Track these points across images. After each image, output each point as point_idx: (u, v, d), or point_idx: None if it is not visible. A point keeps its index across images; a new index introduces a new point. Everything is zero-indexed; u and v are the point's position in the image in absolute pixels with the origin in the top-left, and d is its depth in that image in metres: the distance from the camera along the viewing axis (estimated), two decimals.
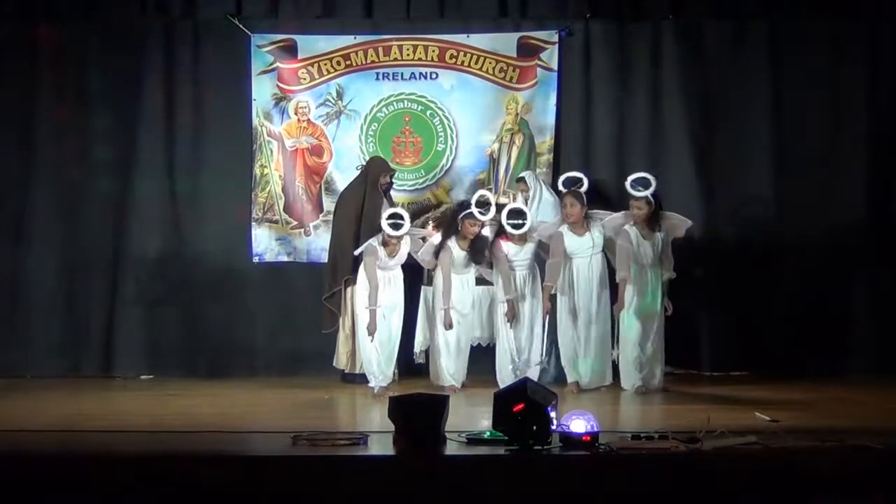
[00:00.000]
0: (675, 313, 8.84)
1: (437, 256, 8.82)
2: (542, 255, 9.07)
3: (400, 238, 8.69)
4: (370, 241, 8.73)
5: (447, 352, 8.83)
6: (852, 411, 7.68)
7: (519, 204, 9.22)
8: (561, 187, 9.19)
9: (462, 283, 8.92)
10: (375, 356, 8.72)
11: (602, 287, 8.93)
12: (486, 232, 8.96)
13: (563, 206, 8.98)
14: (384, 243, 8.70)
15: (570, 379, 8.92)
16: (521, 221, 8.81)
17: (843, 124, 10.02)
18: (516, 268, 8.92)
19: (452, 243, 8.83)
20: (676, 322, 8.92)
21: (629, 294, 8.76)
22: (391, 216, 8.65)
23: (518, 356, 8.89)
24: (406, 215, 8.77)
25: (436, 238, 8.95)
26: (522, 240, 8.92)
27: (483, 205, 8.88)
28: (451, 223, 8.96)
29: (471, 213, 8.80)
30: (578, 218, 8.89)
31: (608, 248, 8.96)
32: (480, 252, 8.86)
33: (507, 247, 8.90)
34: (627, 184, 8.80)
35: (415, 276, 9.18)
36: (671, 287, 8.86)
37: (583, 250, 8.91)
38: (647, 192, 8.71)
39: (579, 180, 9.17)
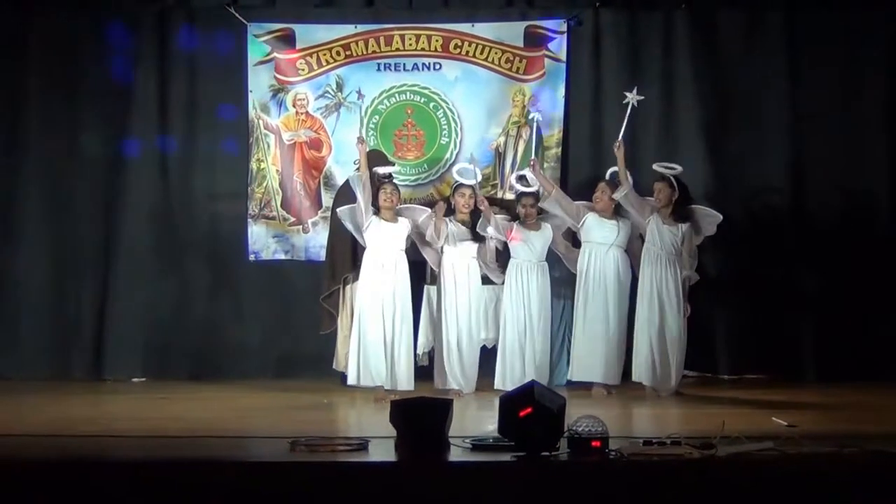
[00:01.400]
0: (689, 314, 8.85)
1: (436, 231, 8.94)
2: (557, 251, 9.12)
3: (393, 187, 8.78)
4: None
5: (452, 354, 8.84)
6: (872, 416, 7.67)
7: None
8: (607, 177, 9.19)
9: (464, 271, 8.92)
10: (374, 355, 8.64)
11: (619, 283, 8.92)
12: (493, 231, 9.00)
13: (595, 191, 9.03)
14: (378, 211, 8.71)
15: (572, 375, 8.93)
16: (528, 178, 9.04)
17: (861, 115, 10.03)
18: (522, 253, 8.94)
19: (451, 221, 8.93)
20: (691, 323, 8.93)
21: (645, 282, 8.75)
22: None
23: (523, 357, 8.89)
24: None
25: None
26: (532, 217, 8.99)
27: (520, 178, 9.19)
28: (446, 204, 9.11)
29: (459, 183, 8.98)
30: (606, 207, 8.97)
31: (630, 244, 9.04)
32: (480, 221, 8.93)
33: (517, 231, 8.94)
34: (654, 166, 8.93)
35: (417, 274, 9.15)
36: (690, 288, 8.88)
37: (604, 237, 8.92)
38: (671, 172, 8.77)
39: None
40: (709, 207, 9.09)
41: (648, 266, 8.81)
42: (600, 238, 8.95)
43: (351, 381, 8.69)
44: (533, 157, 9.22)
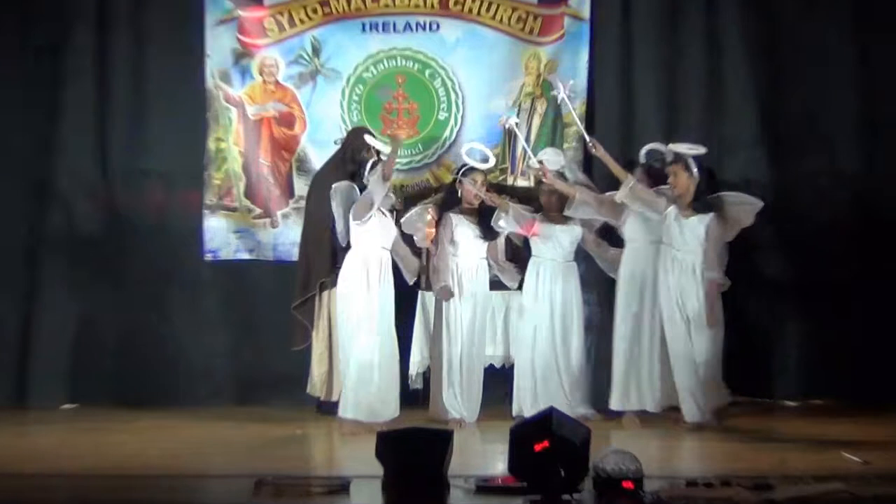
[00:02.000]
0: (736, 325, 8.82)
1: (436, 232, 8.90)
2: (587, 249, 9.09)
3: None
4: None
5: (453, 375, 8.80)
6: None
7: None
8: (641, 160, 9.12)
9: (470, 274, 8.89)
10: (352, 379, 8.47)
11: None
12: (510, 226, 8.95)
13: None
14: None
15: (615, 404, 8.83)
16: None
17: None
18: (547, 252, 8.90)
19: (453, 215, 8.88)
20: (738, 336, 8.91)
21: (662, 291, 8.66)
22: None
23: (549, 379, 8.85)
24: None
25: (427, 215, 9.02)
26: (555, 207, 8.91)
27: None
28: (448, 193, 9.07)
29: (468, 167, 8.94)
30: None
31: None
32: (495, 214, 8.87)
33: (543, 227, 8.89)
34: (670, 146, 8.87)
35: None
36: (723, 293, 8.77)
37: (647, 233, 8.82)
38: (692, 152, 8.64)
39: (661, 155, 9.05)
40: (746, 194, 8.92)
41: (666, 272, 8.67)
42: (642, 236, 8.83)
43: (343, 413, 8.50)
44: (536, 162, 9.15)
